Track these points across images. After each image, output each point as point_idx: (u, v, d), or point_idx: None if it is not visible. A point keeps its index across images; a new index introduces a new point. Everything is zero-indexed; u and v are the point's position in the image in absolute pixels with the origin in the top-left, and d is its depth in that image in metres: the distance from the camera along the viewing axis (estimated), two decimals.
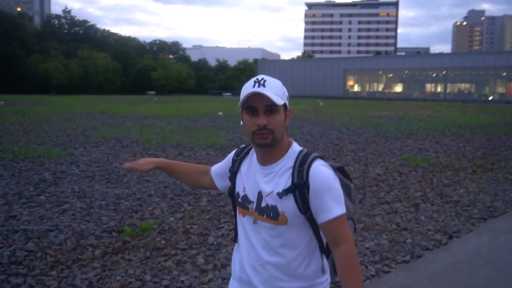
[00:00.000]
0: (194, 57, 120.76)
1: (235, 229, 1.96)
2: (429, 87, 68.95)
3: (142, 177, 8.23)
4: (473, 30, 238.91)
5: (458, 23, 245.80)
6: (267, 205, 1.74)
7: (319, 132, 15.76)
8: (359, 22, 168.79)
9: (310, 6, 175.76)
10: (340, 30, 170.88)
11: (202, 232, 5.34)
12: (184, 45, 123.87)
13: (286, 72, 77.83)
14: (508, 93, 60.64)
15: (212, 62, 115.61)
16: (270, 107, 1.69)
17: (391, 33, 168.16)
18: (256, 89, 1.66)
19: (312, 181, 1.68)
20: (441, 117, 24.28)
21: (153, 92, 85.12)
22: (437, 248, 5.00)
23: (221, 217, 5.92)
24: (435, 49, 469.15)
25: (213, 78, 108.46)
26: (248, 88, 1.69)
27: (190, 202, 6.63)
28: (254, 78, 1.73)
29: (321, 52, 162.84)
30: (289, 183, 1.71)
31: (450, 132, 16.37)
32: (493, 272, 4.38)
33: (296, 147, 1.81)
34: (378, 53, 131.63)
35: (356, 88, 75.78)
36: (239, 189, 1.87)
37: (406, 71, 68.89)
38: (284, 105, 1.74)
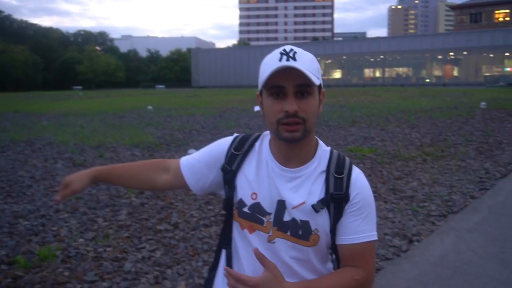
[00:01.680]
0: (123, 48, 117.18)
1: (217, 251, 1.62)
2: (367, 72, 70.34)
3: (51, 187, 7.22)
4: (408, 14, 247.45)
5: (393, 7, 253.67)
6: (294, 220, 1.41)
7: (257, 124, 15.11)
8: (295, 8, 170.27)
9: None
10: (276, 16, 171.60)
11: (117, 256, 4.50)
12: (112, 36, 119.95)
13: (222, 61, 76.99)
14: (444, 75, 62.88)
15: (143, 53, 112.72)
16: (303, 87, 1.33)
17: (328, 18, 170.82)
18: (285, 63, 1.30)
19: (354, 193, 1.41)
20: (383, 102, 24.37)
21: (79, 87, 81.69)
22: (397, 257, 4.44)
23: (142, 234, 5.10)
24: (372, 33, 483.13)
25: (144, 70, 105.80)
26: (272, 61, 1.33)
27: (106, 216, 5.74)
28: (280, 49, 1.36)
29: (257, 39, 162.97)
30: (323, 193, 1.41)
31: (394, 118, 16.22)
32: (465, 284, 3.85)
33: (323, 145, 1.51)
34: (315, 39, 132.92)
35: None
36: (243, 195, 1.48)
37: (344, 57, 69.82)
38: (319, 86, 1.38)
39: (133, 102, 31.57)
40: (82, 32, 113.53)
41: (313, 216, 1.41)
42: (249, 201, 1.47)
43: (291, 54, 1.34)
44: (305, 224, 1.41)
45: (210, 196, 6.45)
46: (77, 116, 20.26)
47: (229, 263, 1.54)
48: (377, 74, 68.34)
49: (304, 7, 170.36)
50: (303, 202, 1.41)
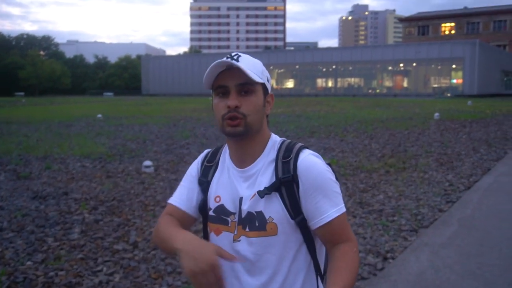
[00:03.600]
0: (69, 53, 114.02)
1: None
2: (320, 82, 71.20)
3: None
4: (358, 25, 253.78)
5: (344, 18, 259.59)
6: (250, 213, 1.46)
7: (214, 134, 14.85)
8: (247, 16, 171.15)
9: None
10: (228, 24, 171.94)
11: (71, 281, 4.12)
12: (57, 40, 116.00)
13: (173, 68, 76.12)
14: (394, 86, 64.52)
15: (90, 59, 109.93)
16: (245, 86, 1.45)
17: (280, 28, 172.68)
18: (226, 60, 1.43)
19: (302, 174, 1.44)
20: (338, 112, 24.63)
21: (22, 93, 78.77)
22: (374, 277, 4.28)
23: (99, 255, 4.72)
24: (323, 43, 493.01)
25: (92, 77, 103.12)
26: (216, 63, 1.44)
27: (57, 235, 5.32)
28: (227, 54, 1.48)
29: (209, 47, 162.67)
30: (273, 179, 1.46)
31: (352, 128, 16.34)
32: None
33: (276, 138, 1.57)
34: (267, 47, 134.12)
35: None
36: (210, 200, 1.56)
37: (297, 66, 70.50)
38: (264, 87, 1.51)
39: (80, 109, 30.61)
40: (25, 36, 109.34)
41: (264, 205, 1.44)
42: (213, 205, 1.54)
43: (235, 57, 1.45)
44: (260, 215, 1.45)
45: None
46: (21, 124, 19.35)
47: None
48: (330, 84, 69.27)
49: (256, 16, 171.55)
50: (254, 194, 1.46)
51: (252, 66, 1.46)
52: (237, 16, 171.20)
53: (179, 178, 1.75)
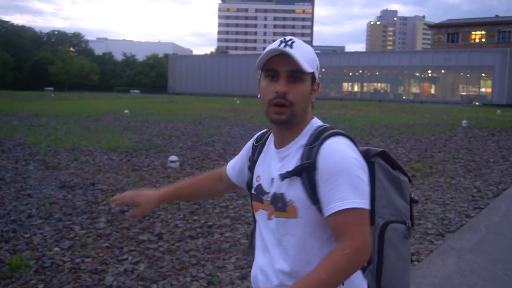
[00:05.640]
0: (98, 50, 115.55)
1: (252, 233, 1.76)
2: (346, 86, 70.79)
3: (23, 190, 6.83)
4: (387, 30, 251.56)
5: (372, 23, 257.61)
6: (274, 194, 1.51)
7: (239, 133, 14.89)
8: (275, 18, 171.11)
9: (224, 0, 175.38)
10: (255, 26, 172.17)
11: (97, 268, 4.17)
12: (87, 37, 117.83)
13: (200, 68, 76.56)
14: (421, 93, 63.71)
15: (118, 57, 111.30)
16: (295, 73, 1.47)
17: (307, 31, 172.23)
18: (281, 48, 1.46)
19: (321, 160, 1.41)
20: (364, 116, 24.44)
21: (51, 88, 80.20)
22: None
23: (124, 244, 4.77)
24: (350, 48, 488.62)
25: (119, 74, 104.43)
26: (271, 47, 1.49)
27: (84, 224, 5.40)
28: (281, 38, 1.53)
29: (236, 48, 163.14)
30: (298, 164, 1.47)
31: (378, 132, 16.20)
32: None
33: (315, 122, 1.57)
34: None
35: None
36: (254, 179, 1.65)
37: (323, 70, 70.21)
38: (313, 76, 1.53)
39: (108, 105, 31.03)
40: (56, 32, 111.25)
41: (286, 187, 1.47)
42: (255, 183, 1.62)
43: (289, 43, 1.47)
44: (282, 196, 1.48)
45: (195, 206, 6.17)
46: (50, 117, 19.70)
47: (252, 238, 1.71)
48: (356, 88, 68.82)
49: (284, 18, 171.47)
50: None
51: (304, 54, 1.47)
52: (265, 18, 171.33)
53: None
